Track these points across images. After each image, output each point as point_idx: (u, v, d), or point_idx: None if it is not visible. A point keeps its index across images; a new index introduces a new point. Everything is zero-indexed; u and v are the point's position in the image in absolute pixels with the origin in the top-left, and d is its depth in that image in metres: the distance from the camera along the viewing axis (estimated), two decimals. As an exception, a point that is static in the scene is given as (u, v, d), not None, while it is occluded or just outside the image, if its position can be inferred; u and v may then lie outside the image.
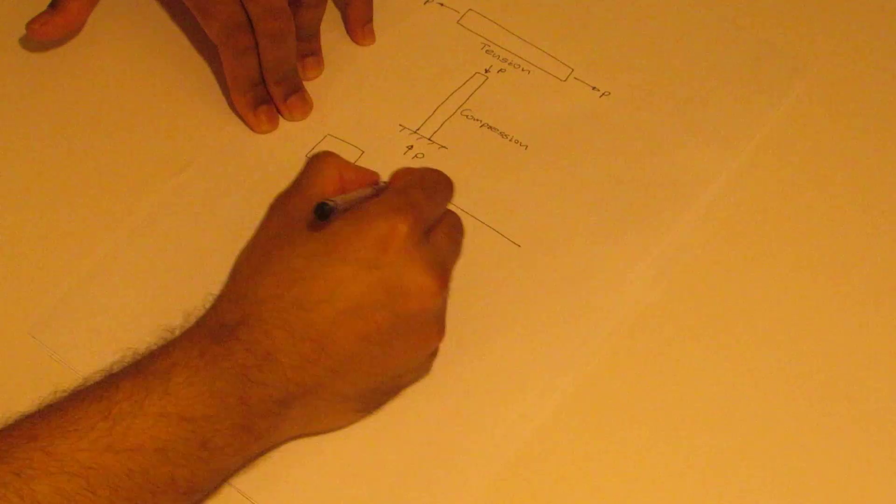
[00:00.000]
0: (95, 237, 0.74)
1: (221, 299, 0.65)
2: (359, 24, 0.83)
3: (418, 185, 0.66)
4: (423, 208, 0.65)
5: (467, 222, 0.74)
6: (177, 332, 0.64)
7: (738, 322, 0.71)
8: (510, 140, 0.79)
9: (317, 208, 0.62)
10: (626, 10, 0.84)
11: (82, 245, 0.74)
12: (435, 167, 0.70)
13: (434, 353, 0.69)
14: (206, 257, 0.73)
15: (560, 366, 0.70)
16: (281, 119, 0.79)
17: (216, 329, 0.63)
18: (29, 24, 0.80)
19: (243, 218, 0.74)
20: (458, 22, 0.84)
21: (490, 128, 0.79)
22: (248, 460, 0.64)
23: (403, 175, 0.68)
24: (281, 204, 0.67)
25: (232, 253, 0.71)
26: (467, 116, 0.80)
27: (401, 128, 0.79)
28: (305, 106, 0.79)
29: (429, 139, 0.79)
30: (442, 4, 0.85)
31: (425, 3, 0.85)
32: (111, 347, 0.70)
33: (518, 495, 0.66)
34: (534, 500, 0.66)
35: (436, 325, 0.66)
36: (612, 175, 0.77)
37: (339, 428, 0.67)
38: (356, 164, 0.70)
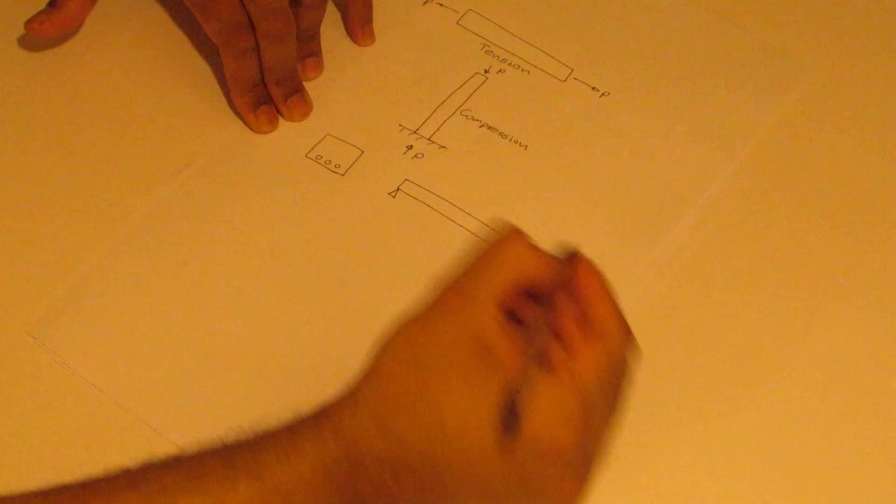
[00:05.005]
0: (95, 237, 0.74)
1: (362, 411, 0.56)
2: (358, 25, 0.83)
3: (602, 389, 0.58)
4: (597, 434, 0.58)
5: (467, 222, 0.74)
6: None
7: (738, 322, 0.71)
8: (510, 140, 0.79)
9: (506, 419, 0.55)
10: (626, 11, 0.84)
11: (82, 245, 0.73)
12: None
13: None
14: (205, 258, 0.73)
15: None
16: (281, 119, 0.79)
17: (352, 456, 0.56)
18: (27, 23, 0.79)
19: (243, 218, 0.75)
20: (457, 22, 0.84)
21: (490, 128, 0.79)
22: None
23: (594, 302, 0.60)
24: (458, 289, 0.58)
25: (231, 253, 0.71)
26: (467, 117, 0.80)
27: (400, 128, 0.79)
28: (305, 106, 0.79)
29: (428, 139, 0.78)
30: (441, 5, 0.85)
31: (425, 4, 0.85)
32: (111, 348, 0.70)
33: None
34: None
35: None
36: (611, 175, 0.77)
37: None
38: (538, 248, 0.60)
